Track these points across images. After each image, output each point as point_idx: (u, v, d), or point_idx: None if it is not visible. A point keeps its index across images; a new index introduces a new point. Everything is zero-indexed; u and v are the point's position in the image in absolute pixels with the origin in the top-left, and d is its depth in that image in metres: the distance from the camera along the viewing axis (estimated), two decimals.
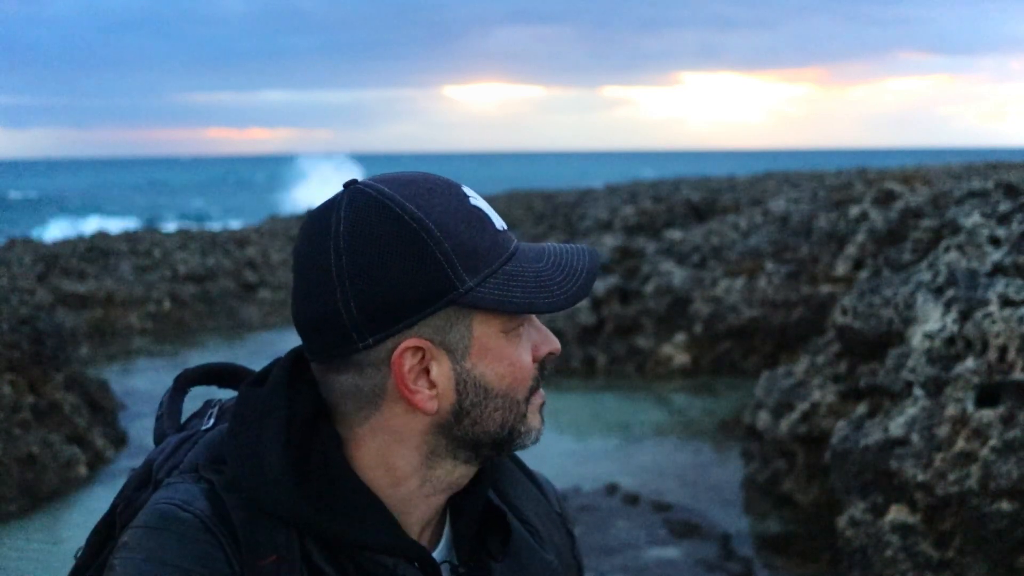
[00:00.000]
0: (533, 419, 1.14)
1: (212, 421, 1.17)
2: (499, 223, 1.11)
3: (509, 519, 1.19)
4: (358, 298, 1.04)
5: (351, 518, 1.07)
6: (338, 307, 1.05)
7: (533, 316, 1.13)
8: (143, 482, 1.14)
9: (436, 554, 1.15)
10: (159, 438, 1.20)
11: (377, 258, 1.04)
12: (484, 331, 1.08)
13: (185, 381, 1.25)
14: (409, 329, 1.05)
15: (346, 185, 1.10)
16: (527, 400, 1.12)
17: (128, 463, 6.70)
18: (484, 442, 1.11)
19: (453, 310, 1.06)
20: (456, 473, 1.13)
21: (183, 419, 1.23)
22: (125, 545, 1.03)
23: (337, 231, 1.05)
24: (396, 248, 1.04)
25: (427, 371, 1.07)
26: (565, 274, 1.10)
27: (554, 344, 1.15)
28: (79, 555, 1.14)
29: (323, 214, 1.08)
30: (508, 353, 1.09)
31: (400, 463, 1.10)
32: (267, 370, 1.16)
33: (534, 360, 1.13)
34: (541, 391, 1.15)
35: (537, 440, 1.15)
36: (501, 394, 1.10)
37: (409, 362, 1.06)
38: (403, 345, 1.05)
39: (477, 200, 1.11)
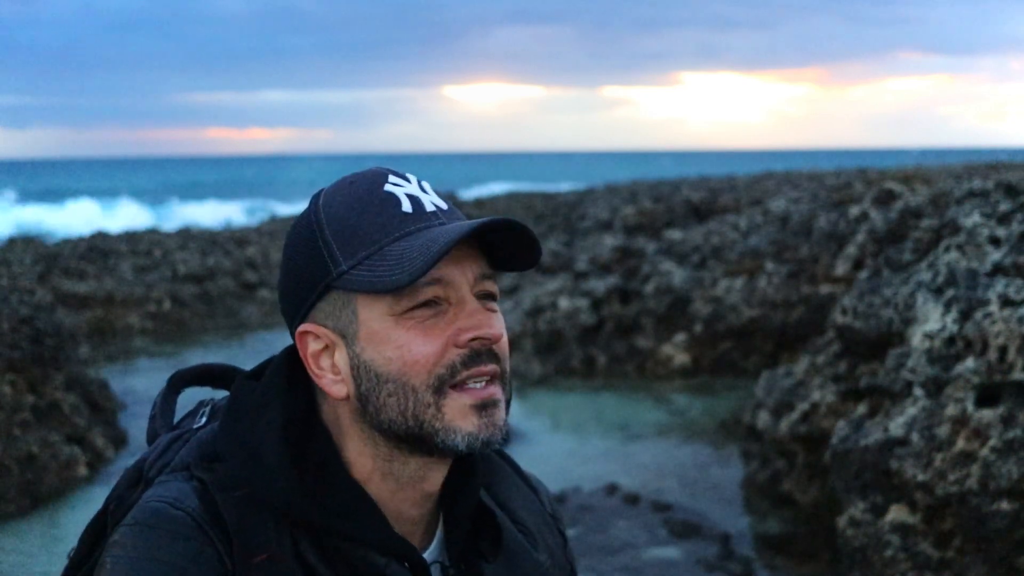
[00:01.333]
0: (456, 418, 1.05)
1: (204, 420, 1.18)
2: (408, 206, 1.06)
3: (500, 520, 1.18)
4: (280, 293, 1.14)
5: (343, 513, 1.07)
6: (280, 299, 1.16)
7: (467, 297, 1.06)
8: (134, 480, 1.15)
9: (428, 554, 1.15)
10: (152, 438, 1.21)
11: (286, 255, 1.13)
12: (369, 314, 1.06)
13: (179, 381, 1.26)
14: (307, 316, 1.10)
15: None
16: (434, 391, 1.05)
17: (128, 463, 6.69)
18: (396, 432, 1.07)
19: (339, 295, 1.07)
20: (412, 465, 1.10)
21: (177, 419, 1.23)
22: (116, 543, 1.03)
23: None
24: (295, 244, 1.11)
25: (332, 356, 1.10)
26: (423, 249, 1.03)
27: (480, 330, 1.05)
28: (72, 554, 1.14)
29: None
30: (395, 336, 1.05)
31: (354, 456, 1.11)
32: (263, 366, 1.17)
33: (456, 345, 1.05)
34: (477, 389, 1.06)
35: (471, 445, 1.05)
36: (391, 379, 1.06)
37: (312, 347, 1.10)
38: (298, 331, 1.11)
39: (399, 186, 1.08)
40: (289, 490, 1.05)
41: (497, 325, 1.08)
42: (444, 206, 1.09)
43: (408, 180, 1.10)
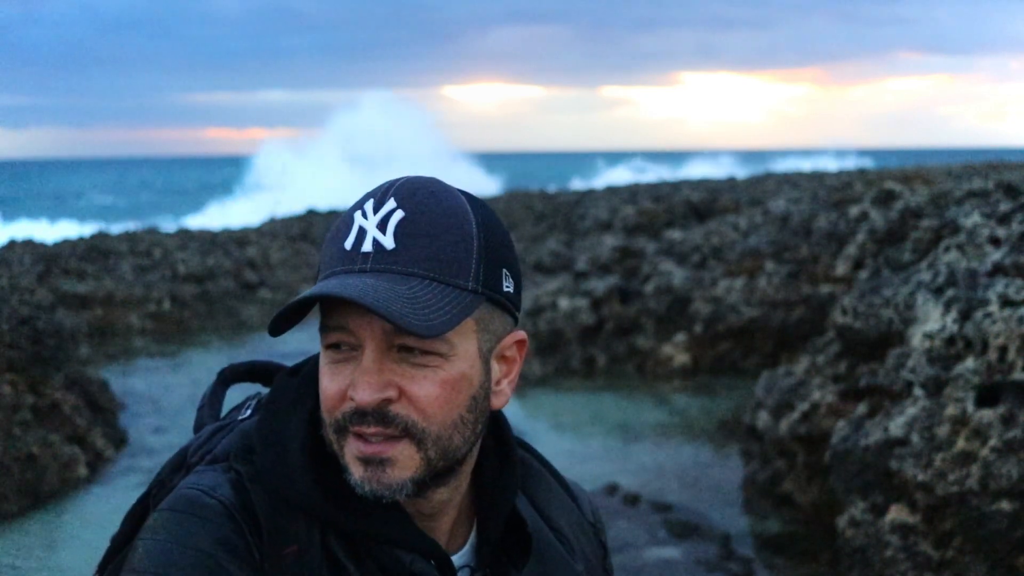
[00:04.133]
0: (349, 461, 1.05)
1: (249, 412, 1.19)
2: (350, 242, 1.05)
3: (532, 528, 1.18)
4: None
5: (364, 512, 1.08)
6: None
7: (366, 350, 1.04)
8: (177, 466, 1.16)
9: (459, 558, 1.16)
10: (198, 427, 1.22)
11: None
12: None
13: (229, 376, 1.27)
14: None
15: None
16: (335, 430, 1.06)
17: (128, 463, 6.70)
18: None
19: None
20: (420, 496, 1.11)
21: (223, 413, 1.25)
22: (149, 528, 1.05)
23: None
24: None
25: None
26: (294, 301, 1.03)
27: (352, 389, 1.03)
28: (115, 536, 1.15)
29: None
30: (321, 367, 1.08)
31: None
32: (306, 361, 1.19)
33: (348, 397, 1.04)
34: (361, 444, 1.04)
35: (361, 491, 1.04)
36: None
37: None
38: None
39: (364, 216, 1.06)
40: (309, 489, 1.06)
41: (368, 390, 1.02)
42: (389, 246, 1.04)
43: (377, 211, 1.06)
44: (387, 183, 1.09)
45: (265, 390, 1.25)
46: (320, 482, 1.07)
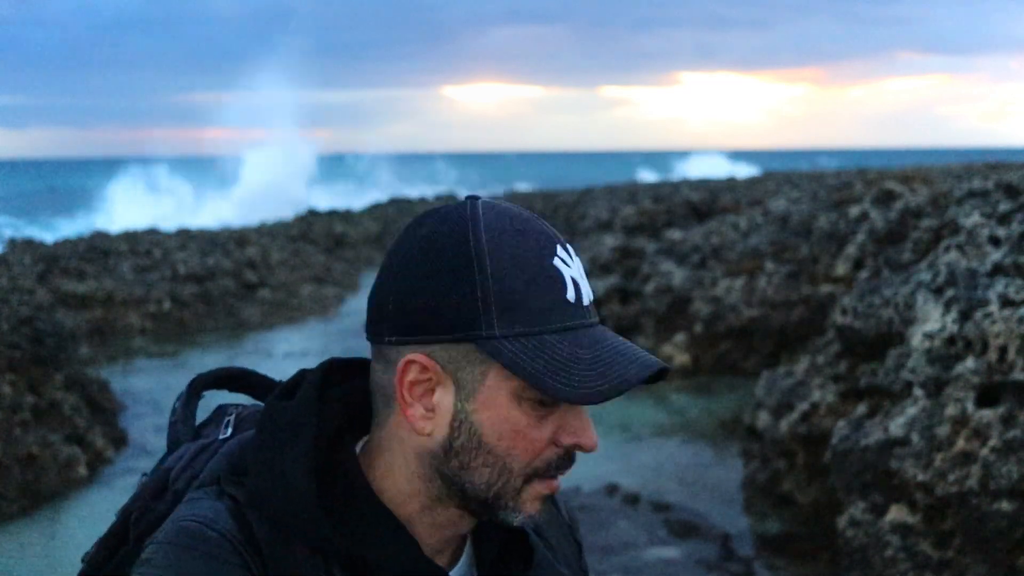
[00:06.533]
0: (528, 503, 1.09)
1: (230, 430, 1.16)
2: (571, 294, 1.06)
3: (532, 540, 1.18)
4: (398, 295, 1.06)
5: (371, 541, 1.07)
6: (386, 295, 1.07)
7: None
8: (159, 490, 1.13)
9: (455, 572, 1.15)
10: (173, 444, 1.19)
11: (428, 267, 1.05)
12: (498, 384, 1.05)
13: (199, 386, 1.24)
14: (425, 345, 1.05)
15: (468, 198, 1.13)
16: (524, 476, 1.08)
17: (128, 463, 6.70)
18: (470, 494, 1.08)
19: (474, 351, 1.05)
20: (453, 512, 1.11)
21: (194, 424, 1.22)
22: (149, 561, 1.01)
23: (423, 232, 1.08)
24: (447, 267, 1.05)
25: (432, 392, 1.06)
26: (599, 372, 1.05)
27: (582, 438, 1.10)
28: (87, 557, 1.13)
29: (431, 214, 1.11)
30: (514, 417, 1.06)
31: (402, 482, 1.10)
32: (295, 381, 1.15)
33: (555, 443, 1.08)
34: (552, 483, 1.10)
35: (523, 524, 1.10)
36: (493, 453, 1.06)
37: (413, 375, 1.06)
38: (409, 356, 1.06)
39: (566, 264, 1.07)
40: (315, 518, 1.05)
41: (596, 438, 1.12)
42: (591, 296, 1.10)
43: (572, 257, 1.09)
44: (543, 226, 1.11)
45: (238, 397, 1.23)
46: (327, 511, 1.06)
